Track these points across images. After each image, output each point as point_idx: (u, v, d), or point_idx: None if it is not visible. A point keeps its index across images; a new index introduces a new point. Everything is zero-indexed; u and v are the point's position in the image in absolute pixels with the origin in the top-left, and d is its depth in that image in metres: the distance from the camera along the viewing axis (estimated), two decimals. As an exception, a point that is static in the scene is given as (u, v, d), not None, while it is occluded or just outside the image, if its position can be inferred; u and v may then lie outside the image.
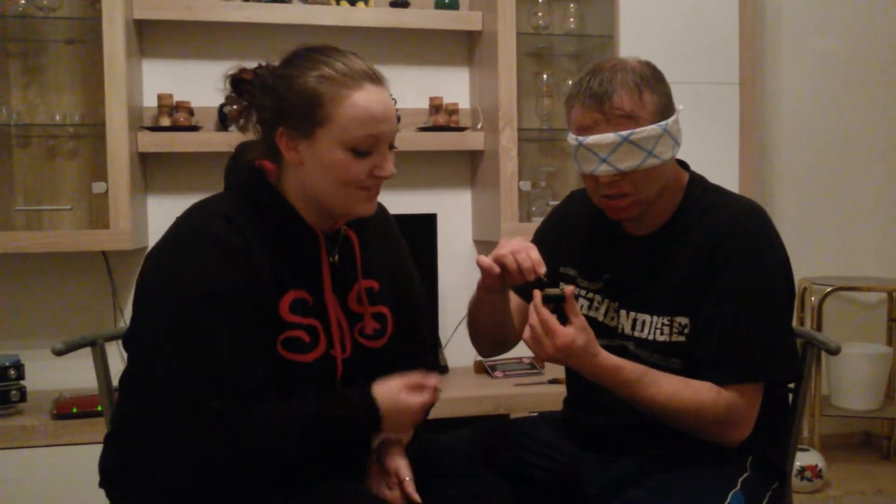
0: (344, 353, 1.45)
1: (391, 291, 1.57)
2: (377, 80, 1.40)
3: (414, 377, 1.42)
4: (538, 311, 1.44)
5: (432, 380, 1.43)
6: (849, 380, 3.44)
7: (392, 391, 1.39)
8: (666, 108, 1.53)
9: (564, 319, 1.45)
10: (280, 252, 1.40)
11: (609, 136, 1.48)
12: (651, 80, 1.52)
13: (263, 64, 1.44)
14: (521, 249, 1.50)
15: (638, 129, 1.48)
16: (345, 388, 1.45)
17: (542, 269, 1.48)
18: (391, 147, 1.42)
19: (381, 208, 1.61)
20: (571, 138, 1.54)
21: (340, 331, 1.45)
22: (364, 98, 1.36)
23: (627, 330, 1.61)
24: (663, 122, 1.50)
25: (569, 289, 1.46)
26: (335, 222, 1.48)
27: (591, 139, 1.49)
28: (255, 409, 1.31)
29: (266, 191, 1.42)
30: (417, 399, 1.40)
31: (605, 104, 1.48)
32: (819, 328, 3.33)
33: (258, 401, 1.32)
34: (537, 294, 1.46)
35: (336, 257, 1.47)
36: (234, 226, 1.35)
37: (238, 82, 1.45)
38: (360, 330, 1.49)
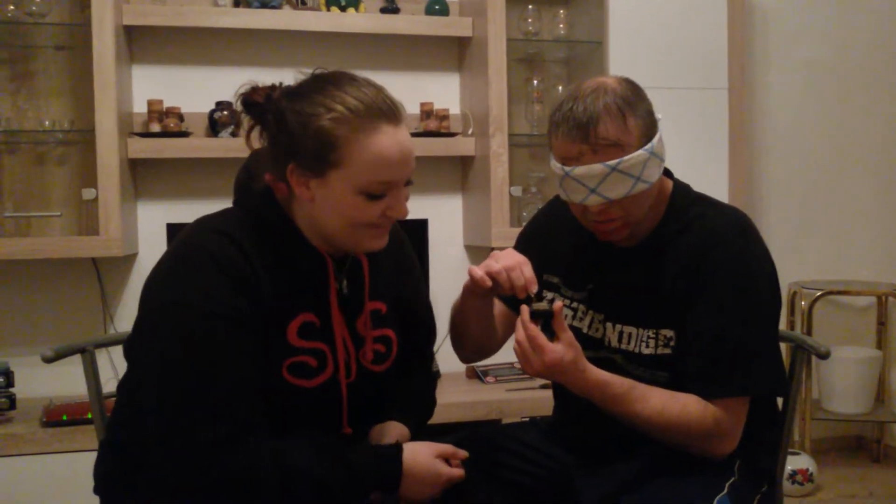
0: (349, 378, 1.43)
1: (398, 313, 1.54)
2: (394, 117, 1.33)
3: (446, 447, 1.43)
4: (526, 328, 1.42)
5: (463, 453, 1.44)
6: (839, 383, 3.46)
7: (424, 458, 1.39)
8: (649, 129, 1.49)
9: (552, 334, 1.44)
10: (288, 275, 1.37)
11: (597, 167, 1.45)
12: (633, 100, 1.48)
13: (277, 84, 1.37)
14: (515, 266, 1.48)
15: (626, 158, 1.44)
16: (368, 444, 1.44)
17: (535, 288, 1.47)
18: (408, 183, 1.38)
19: (396, 227, 1.54)
20: (556, 167, 1.51)
21: (347, 354, 1.43)
22: (379, 143, 1.31)
23: (615, 343, 1.59)
24: (648, 146, 1.47)
25: (557, 305, 1.44)
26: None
27: (579, 171, 1.46)
28: (266, 443, 1.29)
29: (276, 215, 1.38)
30: (445, 471, 1.40)
31: (590, 134, 1.44)
32: (809, 332, 3.35)
33: (256, 428, 1.29)
34: (525, 309, 1.44)
35: (344, 282, 1.44)
36: (241, 249, 1.32)
37: (249, 104, 1.38)
38: (365, 353, 1.47)
